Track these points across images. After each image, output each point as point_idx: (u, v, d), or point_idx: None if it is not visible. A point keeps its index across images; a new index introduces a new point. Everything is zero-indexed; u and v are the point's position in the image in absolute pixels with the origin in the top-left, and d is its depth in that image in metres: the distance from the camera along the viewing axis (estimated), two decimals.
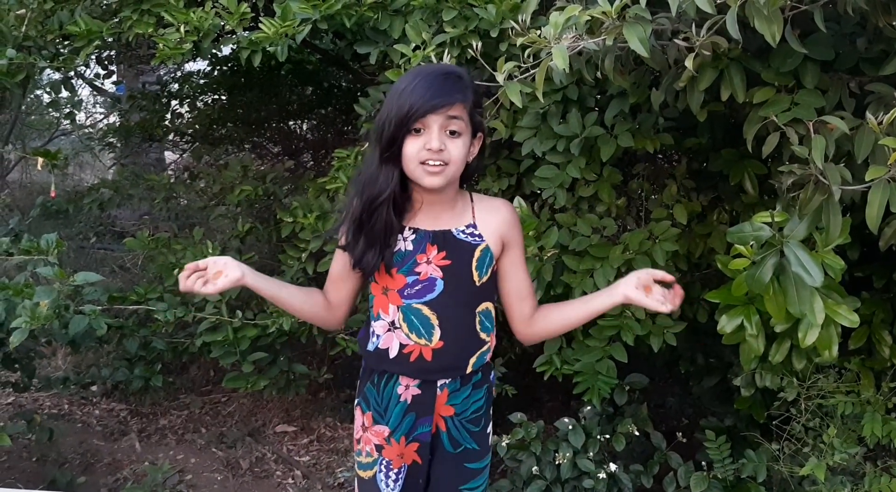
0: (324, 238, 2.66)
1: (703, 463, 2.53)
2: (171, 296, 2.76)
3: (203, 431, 3.54)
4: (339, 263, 1.69)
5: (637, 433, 2.59)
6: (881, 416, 2.20)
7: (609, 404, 2.63)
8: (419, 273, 1.61)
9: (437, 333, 1.61)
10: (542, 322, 1.72)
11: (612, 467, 2.47)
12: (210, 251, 2.95)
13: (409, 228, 1.61)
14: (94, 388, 3.68)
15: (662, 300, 1.59)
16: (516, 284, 1.70)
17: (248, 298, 3.08)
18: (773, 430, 2.42)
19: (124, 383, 2.94)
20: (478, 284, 1.63)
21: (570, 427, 2.55)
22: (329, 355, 3.69)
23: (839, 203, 1.55)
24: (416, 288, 1.61)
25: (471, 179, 1.76)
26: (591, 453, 2.50)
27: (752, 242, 1.67)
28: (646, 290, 1.60)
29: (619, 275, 2.26)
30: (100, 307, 2.32)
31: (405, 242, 1.61)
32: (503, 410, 2.76)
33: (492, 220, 1.66)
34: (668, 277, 1.62)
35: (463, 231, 1.63)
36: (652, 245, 2.25)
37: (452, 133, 1.54)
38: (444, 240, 1.61)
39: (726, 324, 1.86)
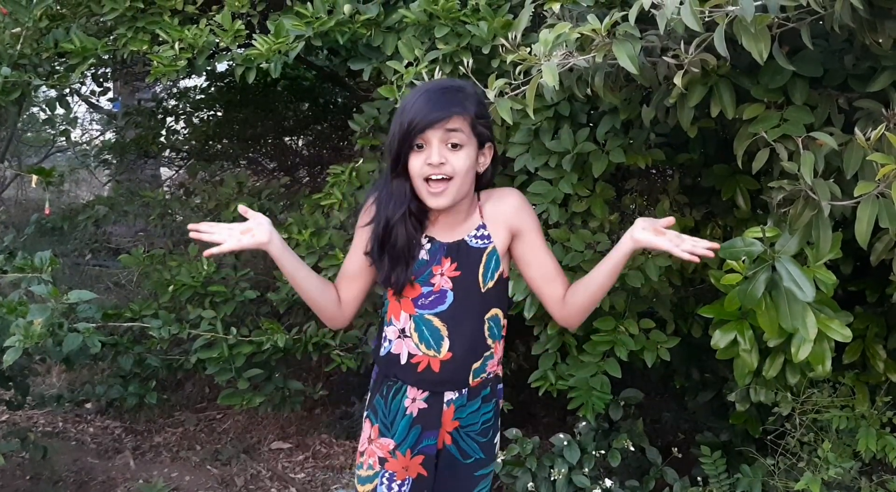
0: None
1: (699, 478, 2.52)
2: (165, 313, 2.76)
3: (198, 448, 3.52)
4: (354, 261, 1.69)
5: (633, 449, 2.58)
6: (876, 430, 2.20)
7: (604, 419, 2.63)
8: (433, 285, 1.62)
9: (445, 344, 1.62)
10: (571, 300, 1.66)
11: (608, 482, 2.46)
12: (206, 267, 2.95)
13: (426, 237, 1.63)
14: (88, 405, 3.67)
15: (677, 242, 1.53)
16: (539, 267, 1.67)
17: (243, 315, 3.08)
18: (768, 445, 2.41)
19: (119, 400, 2.93)
20: (483, 290, 1.63)
21: (566, 443, 2.54)
22: (324, 372, 3.68)
23: (829, 218, 1.56)
24: (430, 299, 1.62)
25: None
26: (587, 469, 2.49)
27: (743, 258, 1.68)
28: (656, 232, 1.55)
29: (612, 290, 2.27)
30: (94, 325, 2.32)
31: (423, 252, 1.63)
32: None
33: (499, 211, 1.65)
34: (670, 221, 1.57)
35: (475, 236, 1.64)
36: (645, 260, 2.25)
37: (454, 146, 1.55)
38: (458, 251, 1.63)
39: (720, 339, 1.86)
